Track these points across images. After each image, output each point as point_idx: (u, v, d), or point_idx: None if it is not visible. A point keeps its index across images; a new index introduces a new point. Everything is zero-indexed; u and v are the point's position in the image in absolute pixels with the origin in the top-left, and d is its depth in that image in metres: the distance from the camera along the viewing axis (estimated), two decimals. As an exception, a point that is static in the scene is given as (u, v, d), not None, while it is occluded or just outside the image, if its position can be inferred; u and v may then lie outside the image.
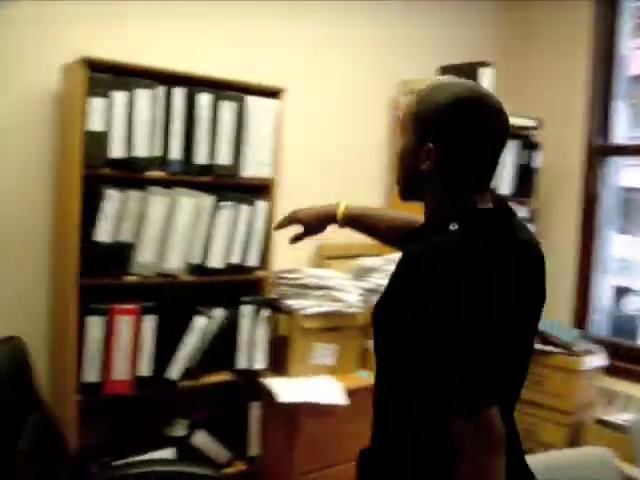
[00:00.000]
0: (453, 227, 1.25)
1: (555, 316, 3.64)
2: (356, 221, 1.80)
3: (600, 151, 3.75)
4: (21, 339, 1.80)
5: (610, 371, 3.47)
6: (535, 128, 3.61)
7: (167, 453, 2.55)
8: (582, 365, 3.24)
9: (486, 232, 1.28)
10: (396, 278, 1.30)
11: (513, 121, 3.39)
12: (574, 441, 3.23)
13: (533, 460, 1.97)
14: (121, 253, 2.38)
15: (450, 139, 1.28)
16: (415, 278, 1.23)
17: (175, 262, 2.49)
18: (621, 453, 2.78)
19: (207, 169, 2.54)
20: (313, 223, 1.85)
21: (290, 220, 1.89)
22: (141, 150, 2.38)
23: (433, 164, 1.30)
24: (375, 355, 1.41)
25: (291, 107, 2.79)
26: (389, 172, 3.49)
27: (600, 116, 3.75)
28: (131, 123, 2.35)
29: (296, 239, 1.90)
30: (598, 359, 3.37)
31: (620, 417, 3.24)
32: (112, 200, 2.33)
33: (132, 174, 2.39)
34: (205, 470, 2.13)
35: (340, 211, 1.79)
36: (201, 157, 2.52)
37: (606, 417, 3.23)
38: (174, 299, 2.53)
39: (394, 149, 1.45)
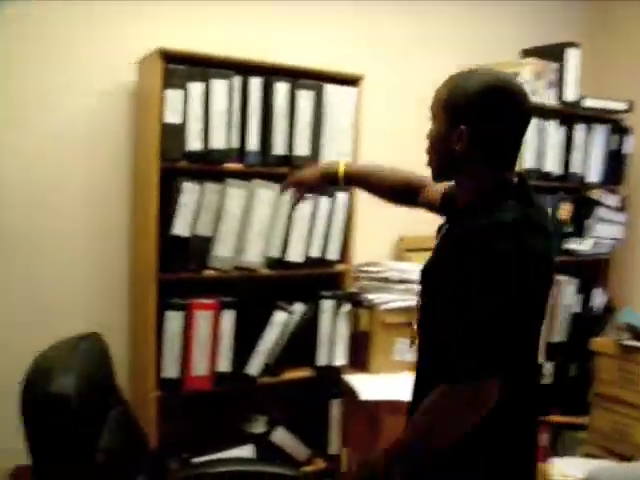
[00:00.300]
0: (507, 204, 1.38)
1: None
2: (357, 179, 1.93)
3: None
4: (100, 335, 1.77)
5: None
6: (625, 111, 3.40)
7: (246, 450, 2.51)
8: (681, 362, 3.03)
9: (524, 208, 1.40)
10: (456, 252, 1.38)
11: (601, 104, 3.25)
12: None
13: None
14: (199, 247, 2.34)
15: (480, 120, 1.39)
16: (481, 253, 1.32)
17: (254, 256, 2.44)
18: None
19: (285, 160, 2.47)
20: (315, 183, 1.96)
21: (294, 183, 2.00)
22: (218, 142, 2.33)
23: (465, 144, 1.41)
24: (422, 330, 1.55)
25: (370, 96, 2.70)
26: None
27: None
28: (208, 114, 2.30)
29: (297, 200, 2.03)
30: (698, 356, 3.15)
31: None
32: (190, 193, 2.29)
33: (209, 166, 2.34)
34: (285, 470, 2.06)
35: (341, 170, 1.90)
36: (279, 148, 2.46)
37: None
38: (253, 294, 2.48)
39: (425, 134, 1.54)
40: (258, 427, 2.59)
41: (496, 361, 1.32)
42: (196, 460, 2.40)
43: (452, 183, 1.60)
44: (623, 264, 3.61)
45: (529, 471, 1.52)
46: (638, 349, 3.11)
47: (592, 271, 3.50)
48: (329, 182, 1.96)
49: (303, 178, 1.97)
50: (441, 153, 1.48)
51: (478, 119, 1.39)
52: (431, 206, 1.78)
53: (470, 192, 1.47)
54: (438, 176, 1.54)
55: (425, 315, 1.54)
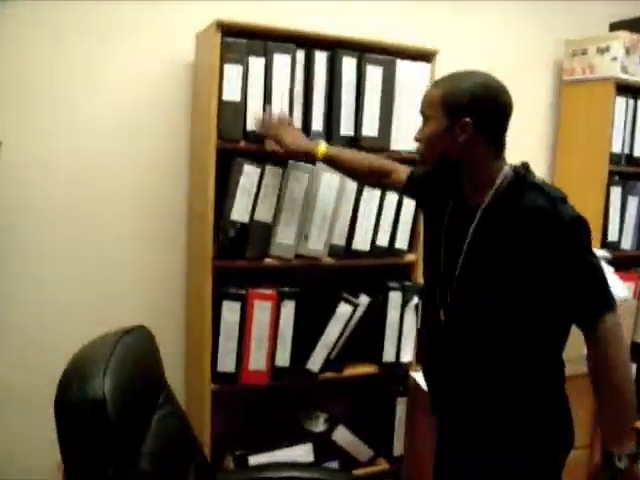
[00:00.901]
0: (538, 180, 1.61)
1: None
2: (334, 161, 2.11)
3: None
4: (147, 328, 1.64)
5: None
6: None
7: (305, 449, 2.38)
8: None
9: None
10: (537, 225, 1.53)
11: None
12: None
13: None
14: (259, 234, 2.20)
15: (482, 112, 1.57)
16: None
17: (317, 244, 2.28)
18: None
19: (352, 141, 2.30)
20: (294, 153, 2.13)
21: (273, 135, 2.12)
22: (279, 122, 2.17)
23: (470, 134, 1.58)
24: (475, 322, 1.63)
25: (443, 72, 2.49)
26: (554, 139, 3.15)
27: None
28: (269, 92, 2.15)
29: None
30: None
31: None
32: (249, 176, 2.15)
33: (271, 148, 2.19)
34: (343, 478, 1.91)
35: (321, 152, 2.08)
36: (345, 128, 2.28)
37: None
38: (315, 284, 2.33)
39: (418, 136, 1.69)
40: (318, 425, 2.46)
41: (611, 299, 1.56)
42: (251, 458, 2.28)
43: (417, 168, 2.00)
44: None
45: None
46: None
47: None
48: (307, 158, 2.14)
49: (288, 146, 2.10)
50: (441, 149, 1.63)
51: (480, 111, 1.57)
52: (397, 187, 2.11)
53: (482, 181, 1.63)
54: (432, 167, 1.77)
55: (484, 293, 1.62)
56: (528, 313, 1.57)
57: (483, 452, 1.66)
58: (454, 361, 1.69)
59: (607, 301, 1.54)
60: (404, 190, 2.07)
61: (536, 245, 1.52)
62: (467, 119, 1.56)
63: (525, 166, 1.64)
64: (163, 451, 1.50)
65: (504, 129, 1.63)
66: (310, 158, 2.12)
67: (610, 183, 2.87)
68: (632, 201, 2.94)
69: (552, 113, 3.14)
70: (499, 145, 1.63)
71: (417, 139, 1.70)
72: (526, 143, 3.03)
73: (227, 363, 2.23)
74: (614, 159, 2.85)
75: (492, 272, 1.59)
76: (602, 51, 2.89)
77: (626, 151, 2.89)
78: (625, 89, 2.86)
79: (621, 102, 2.85)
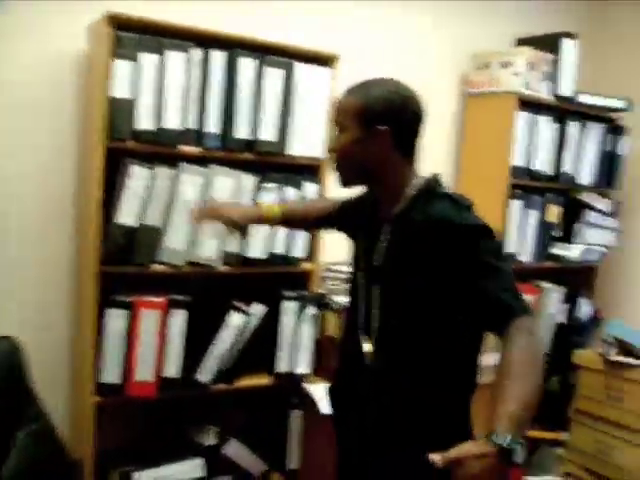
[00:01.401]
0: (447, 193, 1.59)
1: (639, 322, 3.25)
2: (287, 220, 1.99)
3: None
4: (13, 339, 1.52)
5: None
6: (623, 110, 3.18)
7: (195, 464, 2.29)
8: (670, 381, 2.83)
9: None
10: (444, 233, 1.51)
11: (598, 101, 3.03)
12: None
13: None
14: (148, 238, 2.10)
15: (398, 120, 1.54)
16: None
17: (210, 250, 2.20)
18: None
19: (249, 145, 2.23)
20: (243, 223, 1.94)
21: (215, 215, 1.94)
22: (172, 121, 2.09)
23: (388, 144, 1.55)
24: (399, 324, 1.58)
25: (344, 78, 2.45)
26: (458, 151, 3.16)
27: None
28: (161, 90, 2.06)
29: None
30: (688, 373, 2.95)
31: None
32: (138, 178, 2.05)
33: (162, 149, 2.10)
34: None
35: (273, 213, 1.93)
36: (242, 131, 2.21)
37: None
38: (207, 292, 2.25)
39: (332, 146, 1.61)
40: (209, 438, 2.36)
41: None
42: (136, 475, 2.17)
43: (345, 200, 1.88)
44: (612, 273, 3.41)
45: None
46: (625, 365, 2.91)
47: (579, 279, 3.30)
48: (259, 224, 2.05)
49: (233, 217, 1.91)
50: (357, 159, 1.58)
51: (396, 119, 1.54)
52: (328, 222, 1.98)
53: (396, 190, 1.60)
54: (349, 182, 1.64)
55: (396, 303, 1.58)
56: (441, 321, 1.54)
57: (393, 457, 1.61)
58: (372, 371, 1.62)
59: (519, 304, 1.49)
60: (330, 220, 1.96)
61: (444, 253, 1.49)
62: (384, 127, 1.53)
63: (436, 177, 1.63)
64: (28, 468, 1.39)
65: (418, 136, 1.61)
66: (263, 223, 2.00)
67: (511, 196, 2.90)
68: (532, 214, 2.98)
69: (457, 125, 3.16)
70: (412, 153, 1.62)
71: (331, 149, 1.63)
72: (431, 154, 3.02)
73: (112, 374, 2.11)
74: (515, 172, 2.88)
75: (404, 282, 1.56)
76: (505, 65, 2.92)
77: (527, 165, 2.93)
78: (527, 104, 2.90)
79: (523, 116, 2.89)
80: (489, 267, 1.49)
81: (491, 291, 1.48)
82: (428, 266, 1.51)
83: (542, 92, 2.94)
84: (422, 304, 1.54)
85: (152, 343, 2.14)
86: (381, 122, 1.53)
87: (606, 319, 3.27)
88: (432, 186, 1.60)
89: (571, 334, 3.23)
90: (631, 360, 2.90)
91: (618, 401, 2.93)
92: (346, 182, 1.64)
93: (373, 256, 1.62)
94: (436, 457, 1.34)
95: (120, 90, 2.00)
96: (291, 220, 2.00)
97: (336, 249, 2.52)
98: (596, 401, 3.00)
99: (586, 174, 3.16)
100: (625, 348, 2.94)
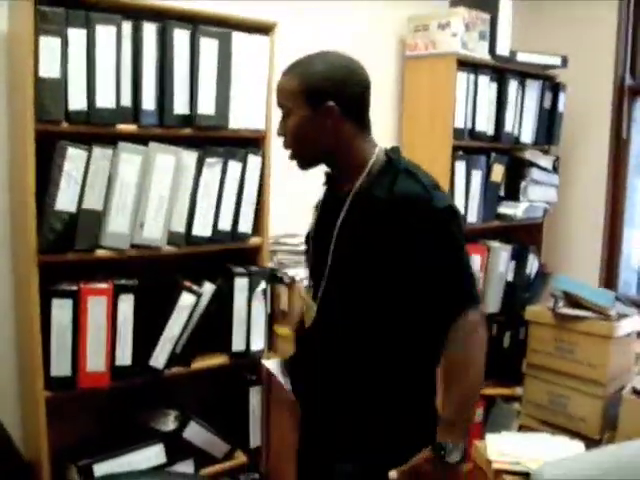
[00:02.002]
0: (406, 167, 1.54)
1: (583, 274, 3.32)
2: None
3: (631, 91, 3.35)
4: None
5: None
6: (560, 66, 3.20)
7: (155, 450, 2.23)
8: (618, 331, 2.89)
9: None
10: (401, 214, 1.48)
11: (535, 59, 3.03)
12: (610, 415, 2.91)
13: (593, 455, 1.70)
14: (88, 223, 2.01)
15: (343, 93, 1.51)
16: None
17: (154, 232, 2.12)
18: None
19: (187, 120, 2.16)
20: None
21: None
22: (106, 100, 1.99)
23: (337, 118, 1.51)
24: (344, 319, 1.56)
25: (283, 47, 2.40)
26: (399, 115, 3.14)
27: (631, 53, 3.34)
28: (92, 67, 1.96)
29: None
30: (634, 323, 3.03)
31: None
32: (74, 160, 1.96)
33: (97, 129, 2.00)
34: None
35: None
36: (179, 106, 2.13)
37: (644, 387, 2.91)
38: (155, 275, 2.18)
39: (281, 131, 1.58)
40: (168, 424, 2.31)
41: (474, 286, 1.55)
42: (97, 467, 2.11)
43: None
44: (556, 228, 3.47)
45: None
46: (574, 317, 2.96)
47: (526, 236, 3.34)
48: None
49: None
50: (309, 140, 1.55)
51: (342, 92, 1.51)
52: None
53: (355, 164, 1.56)
54: (309, 164, 1.61)
55: (352, 283, 1.55)
56: (395, 306, 1.52)
57: (350, 449, 1.60)
58: (325, 357, 1.61)
59: (471, 298, 1.50)
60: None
61: (406, 233, 1.46)
62: (330, 103, 1.50)
63: (395, 150, 1.60)
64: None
65: (367, 106, 1.58)
66: None
67: (454, 158, 2.90)
68: (476, 175, 2.99)
69: (397, 89, 3.13)
70: (365, 124, 1.59)
71: (280, 134, 1.59)
72: (372, 120, 3.00)
73: (62, 367, 2.03)
74: (457, 134, 2.88)
75: (356, 259, 1.53)
76: (443, 27, 2.90)
77: (468, 126, 2.92)
78: (466, 65, 2.89)
79: (462, 77, 2.87)
80: (450, 255, 1.49)
81: (445, 280, 1.49)
82: (388, 244, 1.48)
83: (480, 52, 2.94)
84: (375, 286, 1.52)
85: (101, 331, 2.06)
86: (327, 98, 1.50)
87: (553, 274, 3.33)
88: (393, 160, 1.55)
89: (520, 290, 3.27)
90: (579, 312, 2.96)
91: (569, 353, 2.99)
92: (303, 165, 1.61)
93: (333, 232, 1.57)
94: (392, 474, 1.47)
95: (48, 69, 1.89)
96: None
97: (284, 222, 2.50)
98: (548, 354, 3.06)
99: (527, 132, 3.18)
100: (573, 301, 3.00)
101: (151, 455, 2.22)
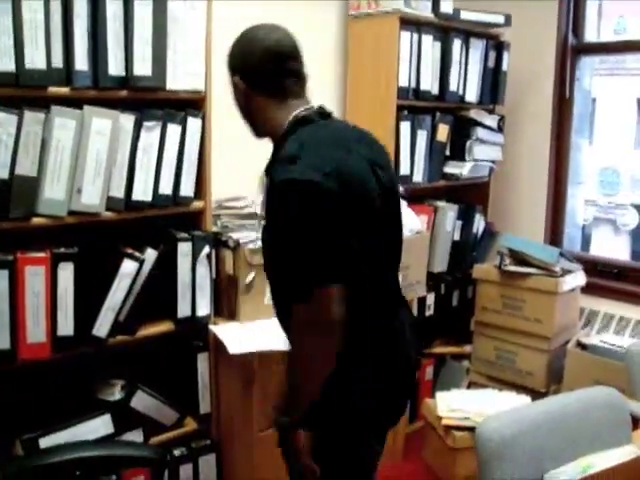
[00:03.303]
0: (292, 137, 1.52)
1: (529, 231, 3.36)
2: None
3: (574, 51, 3.37)
4: None
5: (586, 289, 3.21)
6: (503, 25, 3.20)
7: (102, 421, 2.19)
8: (563, 286, 2.95)
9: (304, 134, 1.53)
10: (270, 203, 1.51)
11: (478, 17, 3.02)
12: (555, 368, 2.98)
13: (536, 406, 1.73)
14: (22, 190, 1.93)
15: (246, 66, 1.60)
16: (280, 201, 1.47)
17: (92, 197, 2.06)
18: (603, 378, 2.59)
19: (123, 82, 2.08)
20: None
21: None
22: (36, 60, 1.89)
23: (244, 91, 1.61)
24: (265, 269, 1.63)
25: (221, 5, 2.34)
26: (344, 77, 3.11)
27: (573, 12, 3.36)
28: (20, 26, 1.86)
29: None
30: (578, 278, 3.10)
31: (601, 338, 3.01)
32: (4, 125, 1.87)
33: (27, 91, 1.91)
34: (144, 452, 1.77)
35: None
36: (114, 67, 2.05)
37: (587, 340, 2.98)
38: (94, 242, 2.11)
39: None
40: (114, 394, 2.26)
41: (318, 274, 1.41)
42: (42, 441, 2.06)
43: None
44: (501, 187, 3.50)
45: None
46: (520, 274, 3.01)
47: (472, 196, 3.36)
48: None
49: None
50: (240, 110, 1.67)
51: (244, 66, 1.60)
52: None
53: (274, 134, 1.60)
54: (256, 134, 1.68)
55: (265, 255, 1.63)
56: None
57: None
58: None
59: (298, 294, 1.43)
60: None
61: (268, 206, 1.52)
62: (236, 78, 1.62)
63: (314, 111, 1.60)
64: None
65: (280, 73, 1.58)
66: None
67: (399, 118, 2.88)
68: (421, 135, 2.98)
69: (340, 49, 3.08)
70: (281, 92, 1.59)
71: None
72: (316, 82, 2.96)
73: (0, 340, 1.97)
74: (402, 93, 2.85)
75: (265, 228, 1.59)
76: (385, -15, 2.86)
77: (413, 85, 2.90)
78: (409, 23, 2.86)
79: (406, 36, 2.85)
80: (285, 231, 1.45)
81: (285, 260, 1.47)
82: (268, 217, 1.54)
83: (423, 10, 2.91)
84: (269, 255, 1.61)
85: (40, 301, 2.00)
86: (235, 72, 1.62)
87: (500, 232, 3.36)
88: (291, 128, 1.56)
89: (467, 250, 3.30)
90: (525, 269, 3.00)
91: (516, 309, 3.04)
92: (253, 133, 1.69)
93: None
94: None
95: (-35, 27, 1.80)
96: None
97: (227, 185, 2.46)
98: (495, 312, 3.11)
99: (472, 91, 3.18)
100: (519, 258, 3.04)
101: (98, 426, 2.19)
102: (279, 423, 1.62)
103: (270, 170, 1.56)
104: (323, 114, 1.61)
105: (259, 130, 1.66)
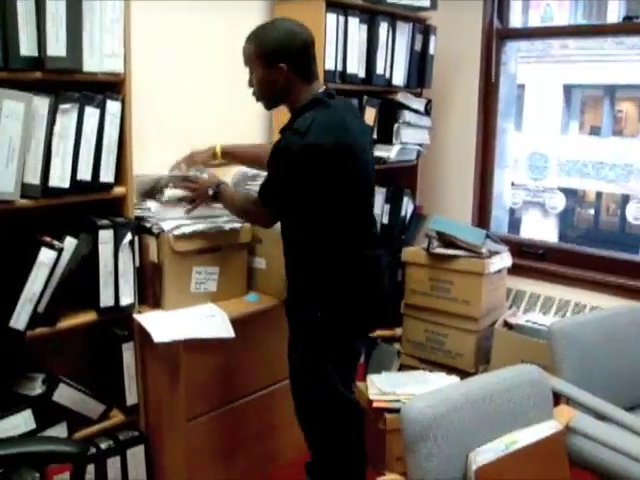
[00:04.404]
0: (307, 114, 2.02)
1: (457, 214, 3.41)
2: (233, 157, 2.61)
3: (499, 35, 3.42)
4: None
5: (513, 270, 3.28)
6: (429, 9, 3.21)
7: (23, 417, 2.11)
8: (489, 267, 3.00)
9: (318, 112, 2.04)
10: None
11: (404, 0, 3.01)
12: (484, 348, 3.04)
13: (461, 386, 1.74)
14: None
15: (291, 55, 2.02)
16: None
17: (5, 184, 1.96)
18: (529, 356, 2.65)
19: (37, 63, 1.98)
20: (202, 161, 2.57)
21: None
22: (-61, 39, 1.80)
23: (286, 76, 2.04)
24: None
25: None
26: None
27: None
28: None
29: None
30: (504, 259, 3.15)
31: (527, 318, 3.08)
32: None
33: None
34: (64, 446, 1.71)
35: (217, 150, 2.57)
36: (26, 47, 1.95)
37: (514, 320, 3.05)
38: (9, 231, 2.03)
39: (250, 83, 2.13)
40: (35, 388, 2.18)
41: (268, 201, 2.13)
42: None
43: None
44: (429, 170, 3.53)
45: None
46: (447, 257, 3.04)
47: (400, 179, 3.38)
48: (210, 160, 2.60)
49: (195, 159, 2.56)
50: (268, 90, 2.10)
51: (288, 54, 2.02)
52: None
53: (297, 104, 2.07)
54: (270, 107, 2.21)
55: None
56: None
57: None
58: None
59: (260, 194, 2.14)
60: None
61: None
62: (282, 65, 2.01)
63: (317, 96, 2.07)
64: None
65: (310, 60, 2.08)
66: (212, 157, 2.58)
67: (326, 101, 2.85)
68: (349, 119, 2.96)
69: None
70: (309, 74, 2.08)
71: (250, 85, 2.13)
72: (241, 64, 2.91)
73: None
74: (328, 77, 2.83)
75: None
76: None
77: (339, 68, 2.88)
78: (335, 6, 2.83)
79: (332, 19, 2.82)
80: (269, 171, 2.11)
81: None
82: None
83: (349, -7, 2.89)
84: None
85: (-48, 293, 1.91)
86: (278, 60, 2.00)
87: (428, 215, 3.39)
88: (307, 104, 2.04)
89: (396, 233, 3.32)
90: (452, 251, 3.04)
91: (445, 291, 3.07)
92: (267, 106, 2.19)
93: None
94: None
95: None
96: (240, 157, 2.59)
97: (149, 169, 2.40)
98: (424, 294, 3.14)
99: (399, 75, 3.19)
100: (447, 241, 3.07)
101: (19, 422, 2.10)
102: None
103: (284, 133, 2.05)
104: (330, 95, 2.11)
105: (276, 103, 2.16)
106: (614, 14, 10.86)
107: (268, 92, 2.10)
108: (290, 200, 2.06)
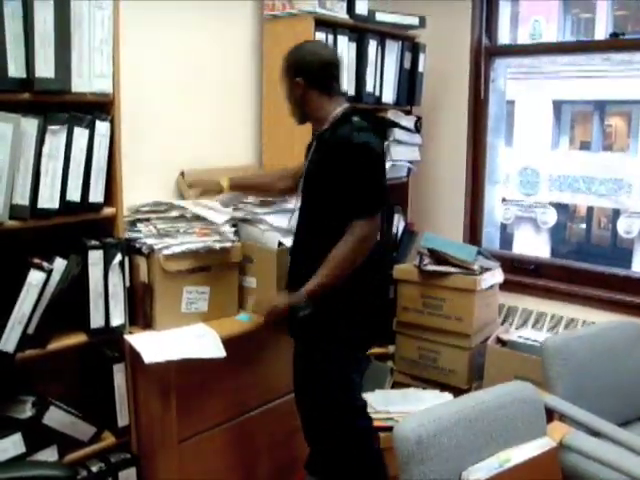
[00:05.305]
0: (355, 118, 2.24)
1: (448, 231, 3.41)
2: (241, 186, 2.69)
3: (488, 52, 3.44)
4: None
5: (505, 286, 3.28)
6: (418, 27, 3.24)
7: (13, 440, 2.08)
8: (481, 284, 3.00)
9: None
10: (337, 149, 2.18)
11: (393, 19, 3.04)
12: (477, 365, 3.03)
13: (453, 404, 1.74)
14: None
15: (308, 72, 2.24)
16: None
17: (-8, 206, 1.96)
18: (522, 372, 2.67)
19: (25, 84, 1.98)
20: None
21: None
22: None
23: (302, 89, 2.25)
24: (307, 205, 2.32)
25: (128, 5, 2.28)
26: (259, 79, 3.06)
27: (486, 14, 3.43)
28: None
29: None
30: (496, 275, 3.15)
31: (519, 334, 3.07)
32: None
33: None
34: (52, 471, 1.69)
35: (225, 184, 2.64)
36: (14, 68, 1.95)
37: (506, 336, 3.04)
38: (-1, 252, 2.01)
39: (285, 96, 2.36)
40: (25, 411, 2.15)
41: (378, 207, 2.19)
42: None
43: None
44: (420, 187, 3.53)
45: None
46: (439, 274, 3.04)
47: (391, 196, 3.36)
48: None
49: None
50: (294, 103, 2.32)
51: (306, 70, 2.24)
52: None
53: (322, 118, 2.27)
54: (298, 120, 2.37)
55: (310, 204, 2.30)
56: (329, 208, 2.19)
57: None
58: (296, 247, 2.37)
59: (362, 209, 2.13)
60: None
61: (335, 160, 2.15)
62: (298, 79, 2.24)
63: (351, 108, 2.28)
64: None
65: (330, 77, 2.27)
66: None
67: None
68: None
69: (256, 50, 3.05)
70: (330, 91, 2.27)
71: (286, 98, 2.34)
72: (232, 81, 2.93)
73: None
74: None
75: (313, 179, 2.26)
76: (300, -14, 2.84)
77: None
78: (324, 24, 2.85)
79: (321, 38, 2.83)
80: (357, 174, 2.12)
81: (351, 194, 2.13)
82: (326, 168, 2.19)
83: (338, 12, 2.91)
84: (321, 198, 2.22)
85: (-60, 316, 1.90)
86: (297, 75, 2.24)
87: (419, 232, 3.39)
88: (346, 114, 2.23)
89: (388, 250, 3.32)
90: (444, 268, 3.04)
91: (437, 308, 3.07)
92: (297, 120, 2.37)
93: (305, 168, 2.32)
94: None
95: None
96: (250, 187, 2.71)
97: (140, 189, 2.39)
98: (416, 311, 3.13)
99: (388, 92, 3.20)
100: (439, 258, 3.07)
101: (8, 446, 2.07)
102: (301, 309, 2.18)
103: (322, 137, 2.26)
104: (355, 110, 2.29)
105: (305, 117, 2.33)
106: (602, 30, 10.97)
107: (291, 104, 2.32)
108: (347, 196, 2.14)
